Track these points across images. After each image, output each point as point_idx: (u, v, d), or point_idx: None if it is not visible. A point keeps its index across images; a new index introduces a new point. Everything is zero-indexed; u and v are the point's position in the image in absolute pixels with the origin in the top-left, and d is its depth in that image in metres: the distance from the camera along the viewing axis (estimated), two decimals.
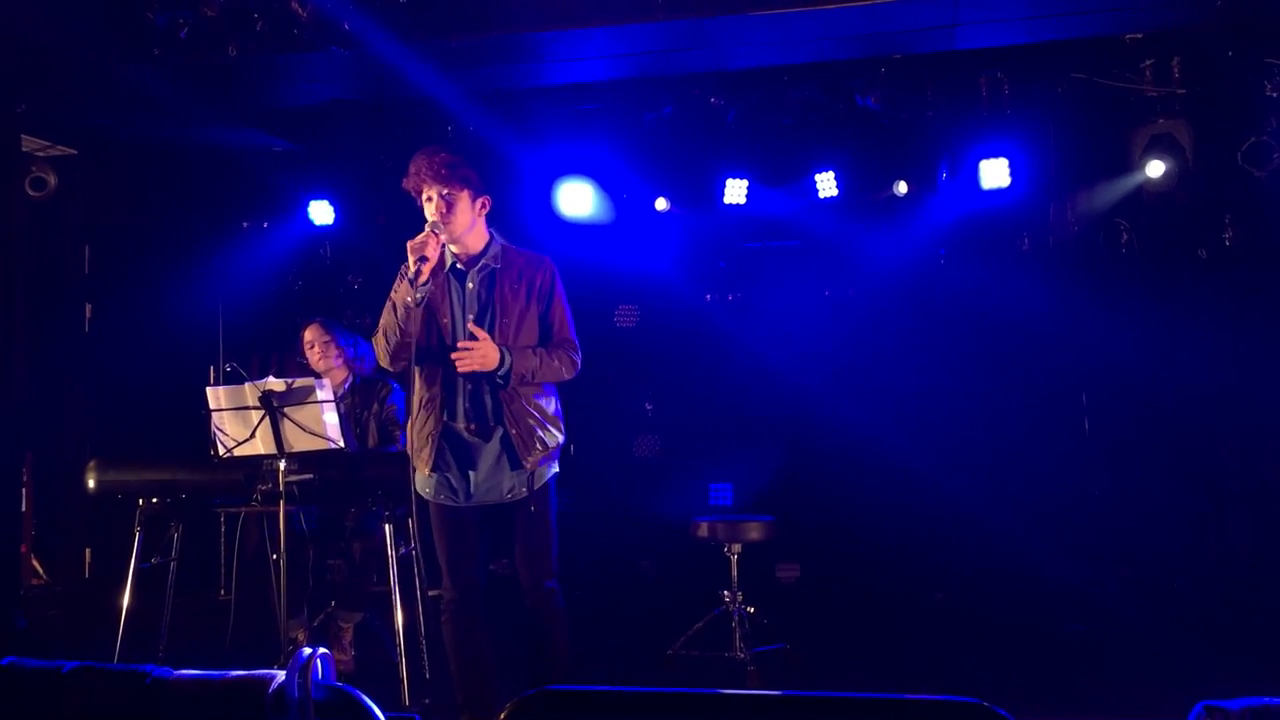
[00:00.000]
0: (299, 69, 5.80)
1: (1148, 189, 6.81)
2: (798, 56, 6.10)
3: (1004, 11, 5.36)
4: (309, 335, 5.43)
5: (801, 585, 7.32)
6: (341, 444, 4.46)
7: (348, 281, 8.22)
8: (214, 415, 4.39)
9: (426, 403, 3.68)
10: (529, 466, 3.69)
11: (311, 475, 4.40)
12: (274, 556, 4.35)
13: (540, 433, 3.71)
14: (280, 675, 1.55)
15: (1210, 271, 6.83)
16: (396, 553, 4.64)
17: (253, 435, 4.32)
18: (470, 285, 3.73)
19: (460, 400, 3.67)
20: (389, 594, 4.63)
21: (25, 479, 7.08)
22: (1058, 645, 5.79)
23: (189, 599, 6.56)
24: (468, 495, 3.70)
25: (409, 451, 3.79)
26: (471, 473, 3.68)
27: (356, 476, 4.56)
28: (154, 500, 4.54)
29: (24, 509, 7.07)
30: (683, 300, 7.63)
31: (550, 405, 3.79)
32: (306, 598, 5.11)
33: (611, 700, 1.65)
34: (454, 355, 3.58)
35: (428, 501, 3.76)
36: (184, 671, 1.65)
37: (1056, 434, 7.12)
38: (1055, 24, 5.56)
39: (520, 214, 7.56)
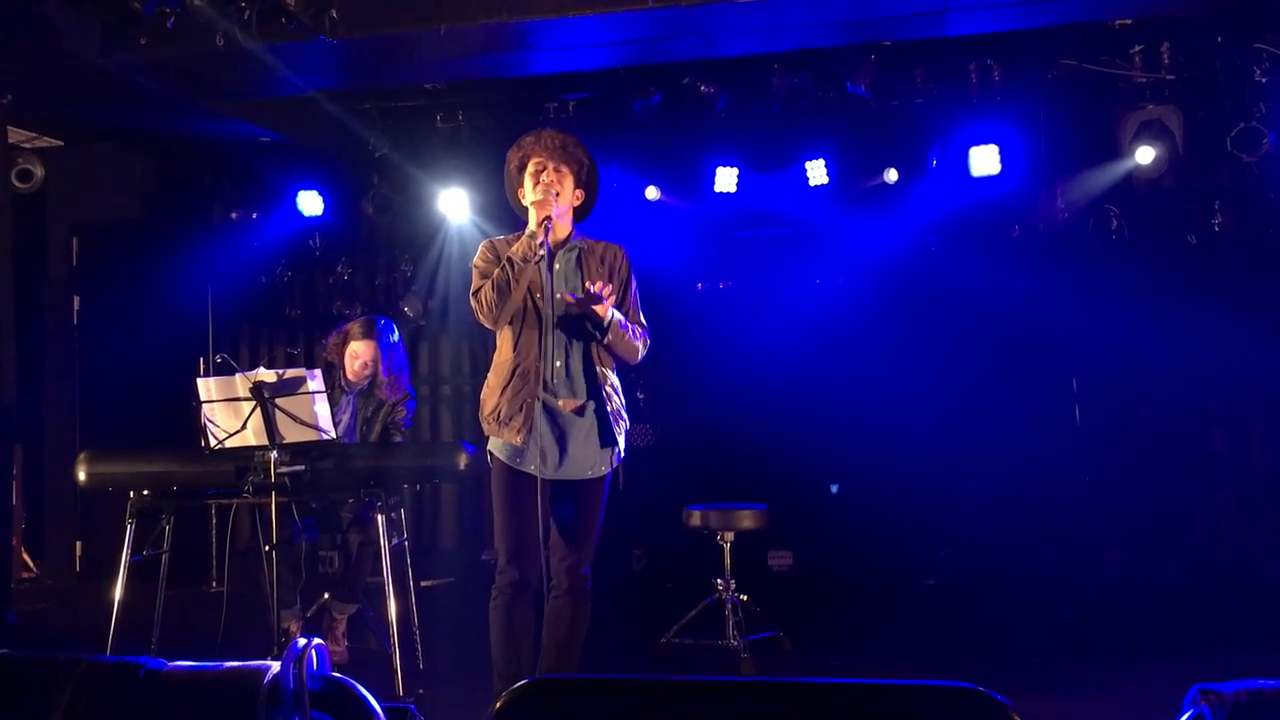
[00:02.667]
0: (287, 59, 5.77)
1: (1138, 175, 6.82)
2: (787, 44, 6.09)
3: None
4: (363, 351, 5.25)
5: (794, 573, 7.33)
6: (333, 434, 4.45)
7: (337, 272, 8.19)
8: (205, 407, 4.37)
9: (519, 372, 3.71)
10: (618, 443, 3.79)
11: (303, 466, 4.39)
12: (266, 548, 4.34)
13: (624, 411, 3.84)
14: (275, 667, 1.55)
15: (1200, 257, 6.85)
16: (390, 544, 4.63)
17: (244, 426, 4.31)
18: (559, 265, 3.78)
19: (551, 373, 3.71)
20: (382, 586, 4.62)
21: (15, 472, 7.06)
22: (1051, 630, 5.81)
23: (181, 591, 6.55)
24: (558, 466, 3.71)
25: (487, 419, 3.77)
26: (564, 447, 3.71)
27: (348, 467, 4.55)
28: (145, 492, 4.52)
29: (14, 502, 7.04)
30: (674, 289, 7.61)
31: (620, 389, 3.87)
32: (300, 589, 5.10)
33: (606, 688, 1.66)
34: (594, 289, 3.58)
35: (504, 468, 3.74)
36: (177, 663, 1.64)
37: (1047, 420, 7.14)
38: (1045, 10, 5.55)
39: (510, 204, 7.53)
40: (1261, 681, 1.48)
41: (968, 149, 6.87)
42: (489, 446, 3.84)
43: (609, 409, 3.76)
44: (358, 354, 5.24)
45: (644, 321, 3.93)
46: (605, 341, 3.72)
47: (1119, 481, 6.92)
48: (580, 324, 3.72)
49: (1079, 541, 6.83)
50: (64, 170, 7.89)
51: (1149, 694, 4.47)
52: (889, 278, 7.35)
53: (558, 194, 3.73)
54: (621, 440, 3.82)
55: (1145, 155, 6.67)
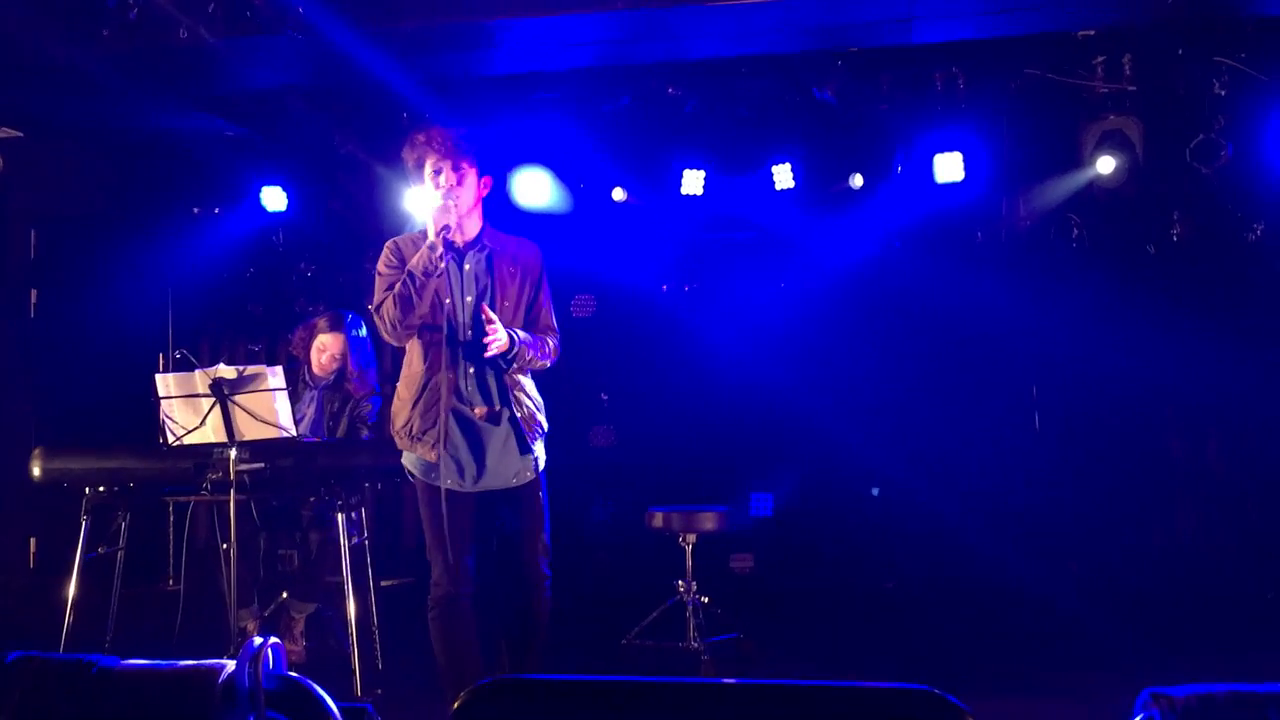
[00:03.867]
0: (252, 53, 5.72)
1: (1099, 184, 6.89)
2: (755, 48, 6.11)
3: (959, 7, 5.40)
4: (330, 344, 5.21)
5: (755, 575, 7.36)
6: (294, 432, 4.41)
7: (300, 269, 8.13)
8: (163, 403, 4.33)
9: (430, 384, 3.62)
10: (535, 450, 3.71)
11: (263, 464, 4.35)
12: (224, 546, 4.29)
13: (538, 416, 3.75)
14: (230, 665, 1.53)
15: (1159, 266, 6.94)
16: (350, 543, 4.60)
17: (203, 423, 4.27)
18: (468, 266, 3.70)
19: (464, 382, 3.64)
20: (341, 585, 4.59)
21: None
22: (1008, 635, 5.87)
23: (137, 589, 6.47)
24: (476, 479, 3.64)
25: (399, 433, 3.70)
26: (482, 457, 3.63)
27: (308, 465, 4.51)
28: (101, 489, 4.46)
29: None
30: (639, 290, 7.63)
31: (536, 391, 3.80)
32: (258, 587, 5.06)
33: (566, 689, 1.65)
34: (486, 339, 3.52)
35: (423, 486, 3.67)
36: (131, 661, 1.62)
37: (1007, 425, 7.21)
38: (1009, 20, 5.61)
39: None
40: (1211, 686, 1.50)
41: (932, 156, 6.91)
42: (403, 461, 3.75)
43: (520, 414, 3.67)
44: (325, 347, 5.20)
45: (554, 324, 3.84)
46: (511, 370, 3.65)
47: (1076, 487, 6.99)
48: (483, 330, 3.62)
49: (1036, 546, 6.89)
50: (23, 162, 7.78)
51: (1102, 697, 4.51)
52: (853, 282, 7.39)
53: (459, 197, 3.62)
54: (539, 448, 3.74)
55: (1106, 165, 6.74)
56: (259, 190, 7.76)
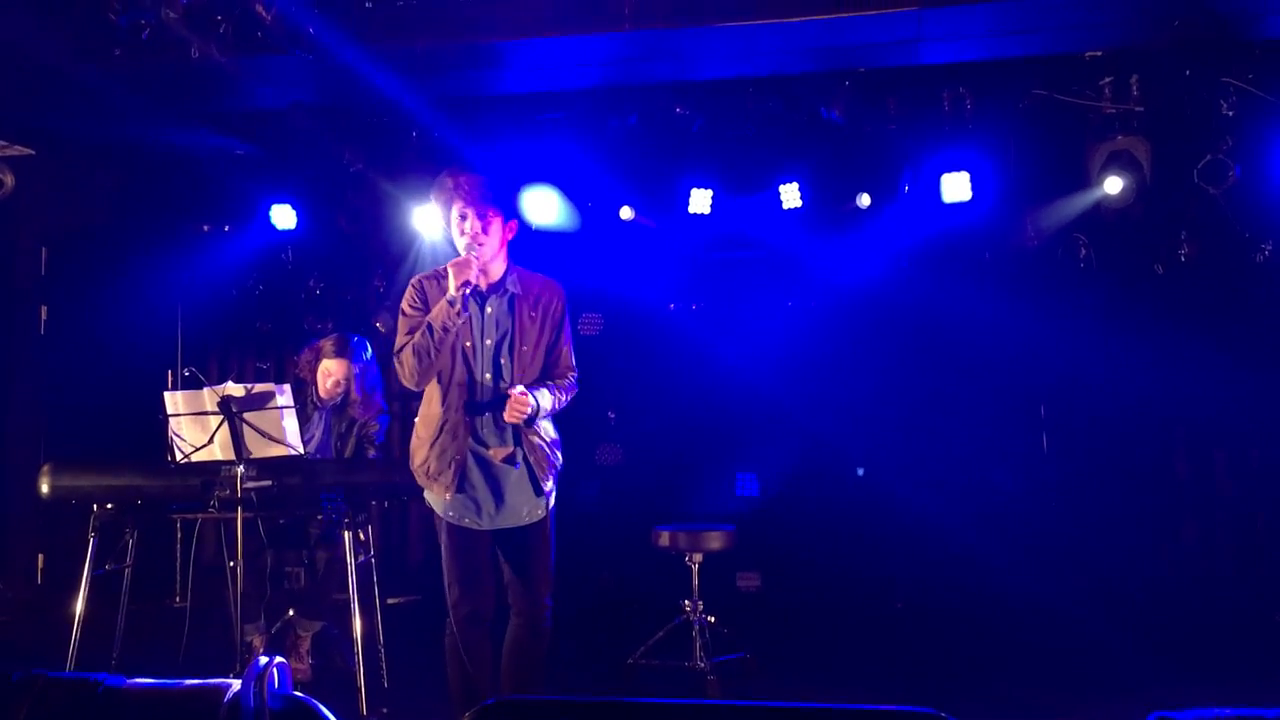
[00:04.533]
0: (262, 72, 5.77)
1: (1106, 205, 6.90)
2: (762, 68, 6.14)
3: (967, 28, 5.42)
4: (335, 370, 5.23)
5: (762, 595, 7.34)
6: (301, 450, 4.42)
7: (309, 286, 8.15)
8: (171, 420, 4.34)
9: (448, 427, 3.67)
10: (547, 488, 3.76)
11: (270, 482, 4.36)
12: (231, 563, 4.30)
13: (551, 457, 3.79)
14: (236, 685, 1.54)
15: (1166, 287, 6.93)
16: (356, 561, 4.60)
17: (211, 441, 4.28)
18: (490, 310, 3.73)
19: (480, 426, 3.68)
20: (348, 602, 4.59)
21: None
22: (1014, 655, 5.84)
23: (144, 606, 6.47)
24: (492, 518, 3.70)
25: (418, 471, 3.75)
26: (499, 497, 3.69)
27: (316, 483, 4.52)
28: (109, 506, 4.47)
29: None
30: (646, 309, 7.64)
31: (554, 430, 3.86)
32: (264, 605, 5.06)
33: (570, 710, 1.65)
34: (507, 414, 3.57)
35: (443, 521, 3.74)
36: (137, 680, 1.63)
37: (1015, 445, 7.19)
38: (1017, 41, 5.63)
39: None
40: (1218, 710, 1.49)
41: (939, 175, 6.93)
42: (425, 498, 3.81)
43: (534, 458, 3.71)
44: (330, 372, 5.22)
45: (573, 364, 3.87)
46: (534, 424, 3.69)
47: (1084, 507, 6.97)
48: (502, 373, 3.67)
49: (1044, 566, 6.87)
50: (35, 179, 7.82)
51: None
52: (860, 302, 7.39)
53: (481, 246, 3.65)
54: (550, 486, 3.77)
55: (1114, 185, 6.75)
56: (268, 208, 7.79)
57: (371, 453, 5.27)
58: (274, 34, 5.11)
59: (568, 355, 3.85)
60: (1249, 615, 6.45)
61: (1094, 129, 6.84)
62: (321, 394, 5.24)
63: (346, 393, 5.25)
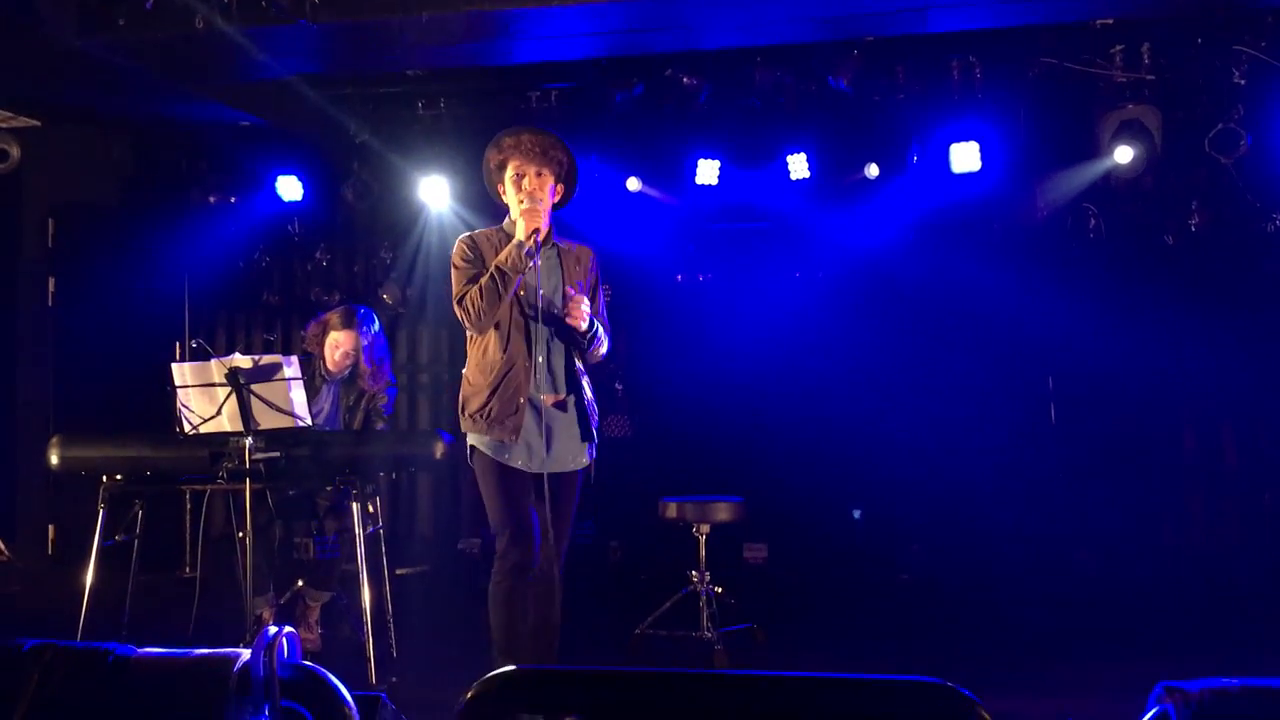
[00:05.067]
0: (267, 42, 5.73)
1: (1116, 174, 6.85)
2: (770, 38, 6.09)
3: None
4: (344, 341, 5.22)
5: (769, 566, 7.36)
6: (309, 421, 4.43)
7: (316, 258, 8.16)
8: (179, 392, 4.34)
9: (512, 372, 3.78)
10: (594, 437, 3.91)
11: (278, 453, 4.37)
12: (239, 534, 4.31)
13: (595, 411, 3.94)
14: (246, 654, 1.54)
15: (1177, 257, 6.90)
16: (365, 531, 4.62)
17: (219, 412, 4.28)
18: (542, 262, 3.85)
19: (535, 371, 3.79)
20: (357, 573, 4.61)
21: None
22: (1023, 626, 5.85)
23: (153, 577, 6.52)
24: (543, 461, 3.79)
25: (473, 416, 3.81)
26: (549, 441, 3.79)
27: (324, 455, 4.53)
28: (118, 477, 4.48)
29: None
30: (653, 280, 7.62)
31: (590, 385, 3.98)
32: (273, 576, 5.08)
33: (579, 679, 1.66)
34: (570, 306, 3.72)
35: (492, 462, 3.80)
36: (147, 650, 1.64)
37: (1023, 417, 7.18)
38: (1026, 8, 5.57)
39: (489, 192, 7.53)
40: (1225, 680, 1.50)
41: (948, 145, 6.88)
42: (471, 442, 3.88)
43: (586, 401, 3.88)
44: (338, 344, 5.22)
45: (607, 324, 4.01)
46: (586, 349, 3.85)
47: (1091, 480, 6.97)
48: (561, 321, 3.81)
49: (1050, 539, 6.88)
50: (41, 151, 7.82)
51: (1116, 691, 4.50)
52: (868, 273, 7.37)
53: (539, 201, 3.77)
54: (594, 437, 3.92)
55: (1124, 155, 6.70)
56: (275, 179, 7.78)
57: (380, 424, 5.28)
58: (279, 4, 5.08)
59: (604, 313, 4.02)
60: (1257, 588, 6.45)
61: (1104, 98, 6.78)
62: (330, 366, 5.24)
63: (355, 364, 5.25)
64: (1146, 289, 6.88)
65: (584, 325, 3.74)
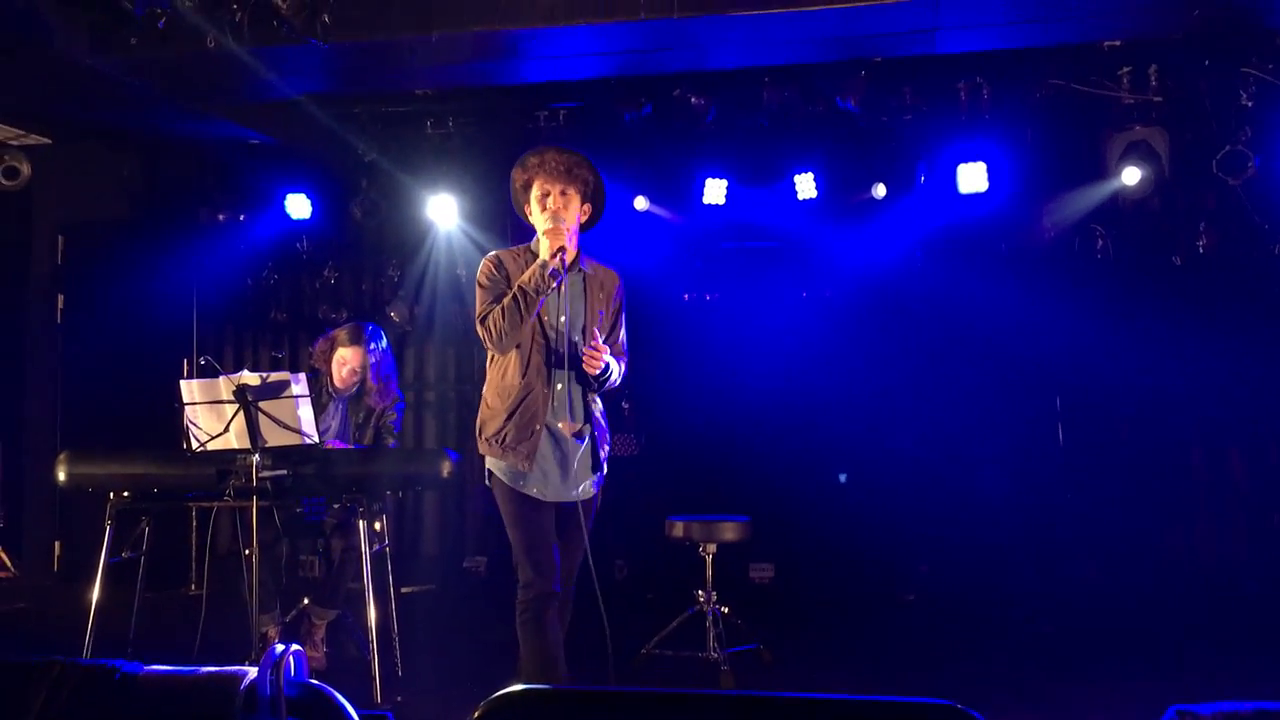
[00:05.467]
0: (277, 62, 5.76)
1: (1124, 195, 6.86)
2: (778, 58, 6.11)
3: (984, 17, 5.38)
4: (350, 358, 5.23)
5: (775, 586, 7.34)
6: (316, 439, 4.43)
7: (324, 276, 8.18)
8: (187, 409, 4.35)
9: (530, 398, 3.72)
10: (603, 469, 3.87)
11: (285, 471, 4.37)
12: (246, 552, 4.31)
13: (607, 438, 3.90)
14: (252, 672, 1.54)
15: (1185, 278, 6.89)
16: (371, 550, 4.62)
17: (226, 429, 4.29)
18: (564, 288, 3.78)
19: (553, 400, 3.74)
20: (362, 591, 4.60)
21: None
22: (1030, 646, 5.83)
23: (160, 594, 6.52)
24: (558, 490, 3.76)
25: (489, 441, 3.77)
26: (565, 470, 3.76)
27: (331, 472, 4.53)
28: (125, 494, 4.49)
29: None
30: (660, 299, 7.62)
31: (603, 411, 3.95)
32: (279, 594, 5.08)
33: (585, 700, 1.65)
34: (586, 353, 3.65)
35: (511, 491, 3.76)
36: (154, 667, 1.63)
37: (1030, 437, 7.17)
38: (1034, 30, 5.58)
39: (498, 211, 7.56)
40: (1237, 703, 1.48)
41: (956, 166, 6.90)
42: (489, 466, 3.83)
43: (600, 431, 3.84)
44: (345, 360, 5.23)
45: (626, 350, 3.97)
46: (597, 390, 3.80)
47: (1100, 499, 6.95)
48: (576, 349, 3.74)
49: (1060, 558, 6.85)
50: (51, 168, 7.87)
51: (1126, 713, 4.48)
52: (875, 292, 7.37)
53: (564, 222, 3.71)
54: (604, 466, 3.89)
55: (1131, 176, 6.71)
56: (283, 197, 7.82)
57: (390, 442, 5.28)
58: (289, 24, 5.10)
59: (623, 341, 3.96)
60: (1266, 606, 6.42)
61: (1112, 119, 6.80)
62: (337, 383, 5.25)
63: (362, 381, 5.26)
64: (1154, 310, 6.88)
65: (597, 373, 3.68)
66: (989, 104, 6.74)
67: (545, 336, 3.73)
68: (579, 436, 3.78)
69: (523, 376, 3.73)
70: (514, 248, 3.90)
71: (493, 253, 3.88)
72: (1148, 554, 6.90)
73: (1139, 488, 6.96)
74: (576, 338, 3.75)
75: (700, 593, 5.36)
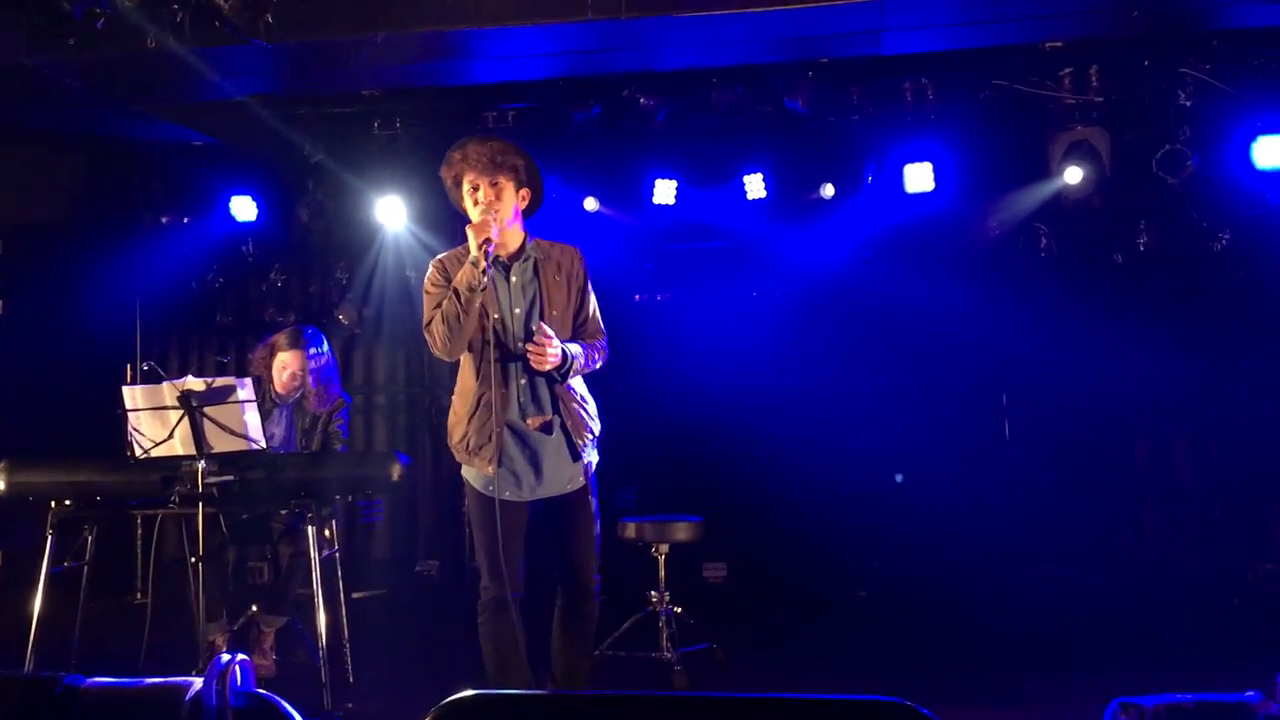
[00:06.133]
0: (220, 62, 5.68)
1: (1066, 194, 6.96)
2: (727, 59, 6.13)
3: (929, 18, 5.43)
4: (290, 362, 5.16)
5: (728, 585, 7.37)
6: (263, 444, 4.38)
7: (270, 279, 8.09)
8: (131, 415, 4.28)
9: (485, 400, 3.65)
10: (586, 456, 3.78)
11: (232, 476, 4.31)
12: (192, 560, 4.25)
13: (588, 420, 3.82)
14: (198, 682, 1.52)
15: (1126, 276, 7.01)
16: (320, 555, 4.57)
17: (171, 435, 4.23)
18: (515, 278, 3.73)
19: (518, 395, 3.67)
20: (312, 597, 4.55)
21: None
22: (979, 643, 5.90)
23: (104, 603, 6.41)
24: (533, 488, 3.71)
25: (457, 447, 3.73)
26: (537, 467, 3.70)
27: (279, 478, 4.48)
28: (67, 502, 4.41)
29: None
30: (611, 300, 7.53)
31: (587, 392, 3.88)
32: (227, 601, 5.01)
33: (537, 703, 1.65)
34: (530, 350, 3.57)
35: (478, 496, 3.72)
36: (97, 679, 1.61)
37: (977, 434, 7.25)
38: (978, 31, 5.65)
39: (447, 212, 7.52)
40: (1180, 695, 1.51)
41: (902, 166, 6.97)
42: (462, 472, 3.81)
43: (570, 423, 3.73)
44: (285, 364, 5.17)
45: (602, 327, 3.92)
46: (563, 380, 3.70)
47: (1046, 496, 7.05)
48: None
49: (1007, 554, 6.93)
50: None
51: (1072, 707, 4.54)
52: (825, 291, 7.42)
53: (497, 211, 3.64)
54: (591, 451, 3.83)
55: (1074, 175, 6.81)
56: (228, 199, 7.72)
57: (339, 446, 5.24)
58: (232, 24, 5.03)
59: (596, 318, 3.90)
60: (1209, 602, 6.55)
61: (1054, 119, 6.90)
62: (278, 388, 5.19)
63: (303, 385, 5.20)
64: (1097, 306, 6.98)
65: (548, 367, 3.59)
66: (934, 105, 6.82)
67: (496, 333, 3.66)
68: (547, 428, 3.70)
69: (477, 378, 3.68)
70: (456, 249, 3.81)
71: (438, 257, 3.82)
72: (1094, 548, 7.01)
73: (1084, 483, 7.06)
74: (534, 326, 3.65)
75: (653, 593, 5.37)
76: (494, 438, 3.62)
